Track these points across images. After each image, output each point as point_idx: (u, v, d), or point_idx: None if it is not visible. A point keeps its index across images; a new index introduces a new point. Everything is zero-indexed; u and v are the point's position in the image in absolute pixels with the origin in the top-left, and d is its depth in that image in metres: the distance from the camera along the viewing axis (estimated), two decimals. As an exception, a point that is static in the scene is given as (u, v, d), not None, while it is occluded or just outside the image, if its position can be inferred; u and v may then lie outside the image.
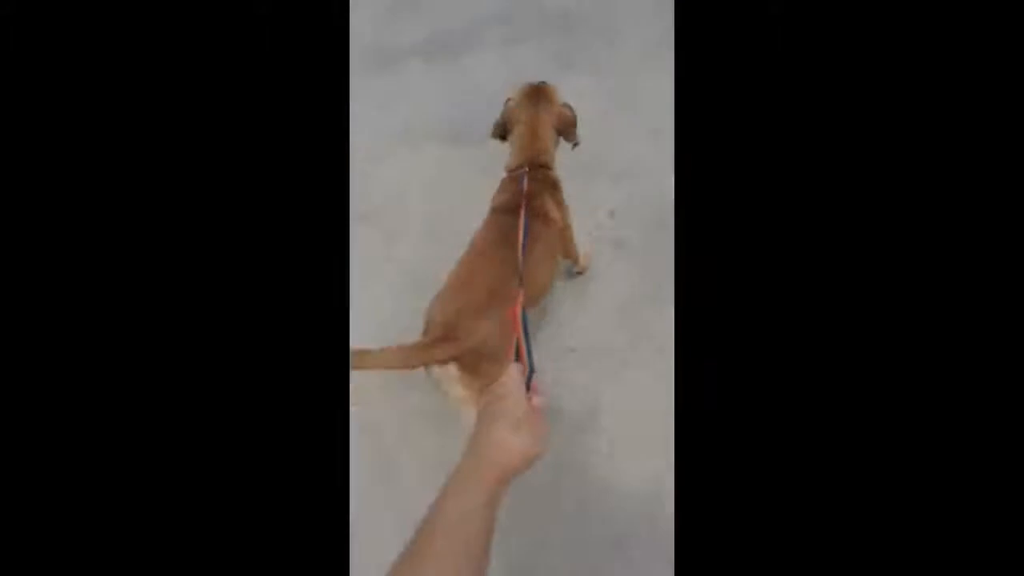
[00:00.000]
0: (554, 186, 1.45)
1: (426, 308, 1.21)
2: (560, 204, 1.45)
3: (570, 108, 1.52)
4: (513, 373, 0.59)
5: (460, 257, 1.31)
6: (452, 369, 1.13)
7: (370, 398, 1.50)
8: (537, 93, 1.49)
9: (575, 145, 1.54)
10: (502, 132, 1.53)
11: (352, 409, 1.26)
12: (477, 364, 1.13)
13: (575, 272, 1.70)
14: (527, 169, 1.40)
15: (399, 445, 1.46)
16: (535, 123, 1.46)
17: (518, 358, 0.63)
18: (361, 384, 1.14)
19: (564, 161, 1.52)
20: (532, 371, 0.62)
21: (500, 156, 1.52)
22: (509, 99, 1.52)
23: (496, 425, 0.53)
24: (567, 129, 1.51)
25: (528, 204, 1.31)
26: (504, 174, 1.48)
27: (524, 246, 1.06)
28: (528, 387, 0.59)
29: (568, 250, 1.57)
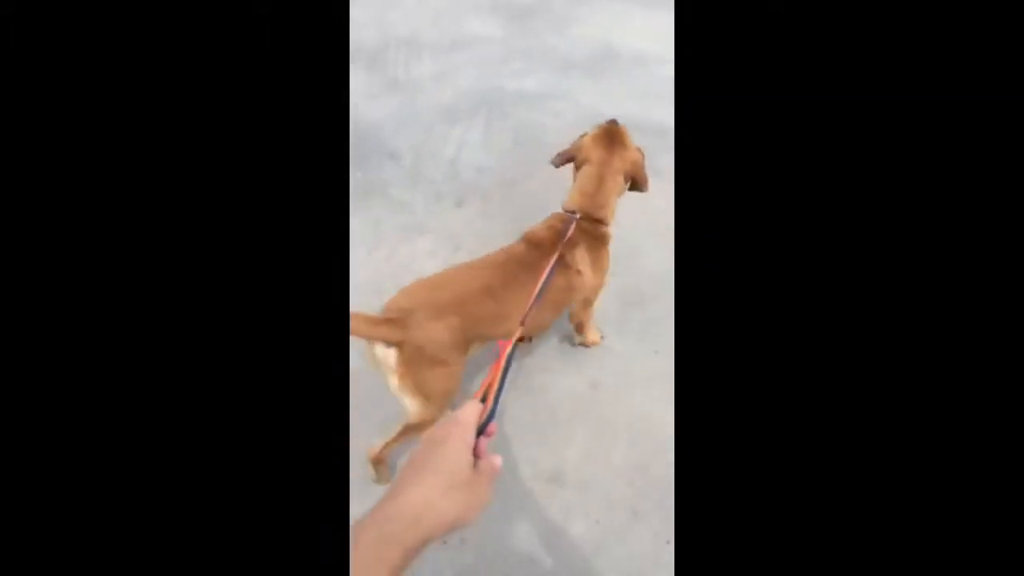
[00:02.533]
0: (601, 242, 1.38)
1: (396, 292, 1.21)
2: (598, 264, 1.38)
3: (640, 152, 1.42)
4: (467, 411, 0.51)
5: (463, 261, 1.30)
6: (391, 355, 1.13)
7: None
8: (612, 134, 1.39)
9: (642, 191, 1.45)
10: (564, 162, 1.44)
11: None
12: (416, 360, 1.13)
13: (575, 342, 1.65)
14: (579, 216, 1.33)
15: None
16: (603, 168, 1.36)
17: (485, 397, 0.56)
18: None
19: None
20: (493, 415, 0.54)
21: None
22: (584, 134, 1.43)
23: (425, 479, 0.44)
24: (639, 180, 1.41)
25: (563, 252, 1.27)
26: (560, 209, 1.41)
27: (541, 292, 1.01)
28: (482, 432, 0.51)
29: (582, 314, 1.51)
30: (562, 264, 1.28)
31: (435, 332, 1.13)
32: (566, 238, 1.29)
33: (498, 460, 0.49)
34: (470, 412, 0.51)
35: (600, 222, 1.37)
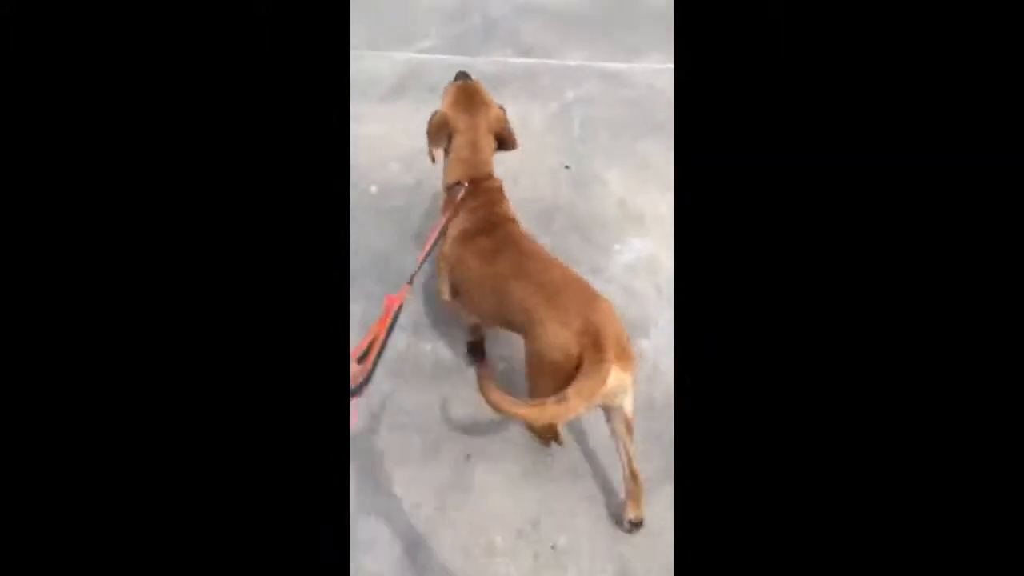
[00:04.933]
0: (502, 194, 1.41)
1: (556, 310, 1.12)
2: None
3: (502, 108, 1.43)
4: None
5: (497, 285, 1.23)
6: (627, 377, 1.09)
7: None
8: (468, 94, 1.39)
9: (511, 149, 1.45)
10: (439, 145, 1.41)
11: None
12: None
13: None
14: (466, 184, 1.35)
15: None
16: (473, 132, 1.37)
17: (364, 357, 0.54)
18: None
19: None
20: (369, 379, 0.54)
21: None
22: (442, 99, 1.42)
23: None
24: (507, 138, 1.42)
25: (495, 212, 1.31)
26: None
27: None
28: (356, 394, 0.51)
29: None
30: (516, 223, 1.32)
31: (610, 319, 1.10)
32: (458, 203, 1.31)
33: (354, 416, 0.50)
34: None
35: (489, 177, 1.40)
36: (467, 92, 1.40)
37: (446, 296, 1.43)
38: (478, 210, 1.33)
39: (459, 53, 2.80)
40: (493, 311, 1.28)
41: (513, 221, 1.36)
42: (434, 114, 1.39)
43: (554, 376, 1.06)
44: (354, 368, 0.52)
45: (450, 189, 1.39)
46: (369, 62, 2.70)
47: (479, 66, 2.56)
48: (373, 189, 2.09)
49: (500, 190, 1.41)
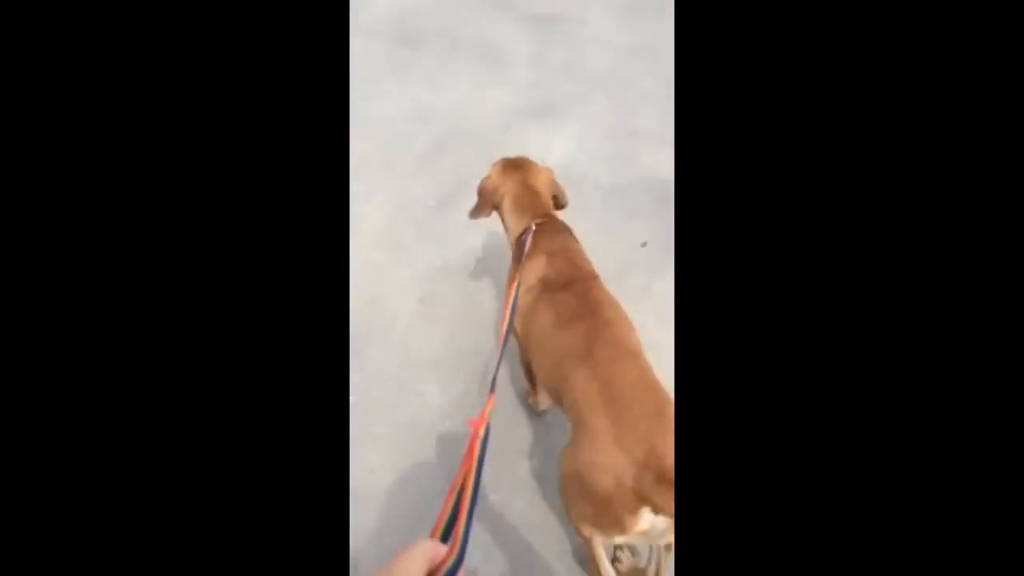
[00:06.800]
0: (573, 234, 1.32)
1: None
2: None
3: (550, 171, 1.42)
4: (409, 558, 0.36)
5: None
6: (663, 521, 0.86)
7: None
8: (517, 164, 1.38)
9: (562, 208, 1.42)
10: (483, 209, 1.37)
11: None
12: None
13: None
14: (533, 226, 1.26)
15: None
16: (527, 185, 1.34)
17: (449, 531, 0.40)
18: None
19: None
20: (462, 559, 0.39)
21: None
22: (487, 176, 1.39)
23: None
24: (560, 194, 1.39)
25: (575, 261, 1.19)
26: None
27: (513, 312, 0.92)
28: None
29: None
30: (596, 278, 1.20)
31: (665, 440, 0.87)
32: (528, 248, 1.21)
33: None
34: (422, 548, 0.37)
35: (550, 216, 1.33)
36: (515, 160, 1.40)
37: (522, 360, 1.30)
38: (558, 256, 1.19)
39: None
40: (551, 385, 1.11)
41: (595, 277, 1.21)
42: (485, 178, 1.38)
43: (593, 502, 0.88)
44: (438, 551, 0.37)
45: (518, 240, 1.29)
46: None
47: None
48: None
49: (571, 231, 1.31)
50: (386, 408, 1.48)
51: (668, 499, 0.81)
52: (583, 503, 0.91)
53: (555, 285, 1.15)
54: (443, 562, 0.38)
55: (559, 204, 1.40)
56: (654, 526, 0.86)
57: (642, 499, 0.84)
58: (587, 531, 0.94)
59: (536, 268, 1.19)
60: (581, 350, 1.02)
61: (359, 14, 2.60)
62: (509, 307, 0.96)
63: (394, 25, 2.77)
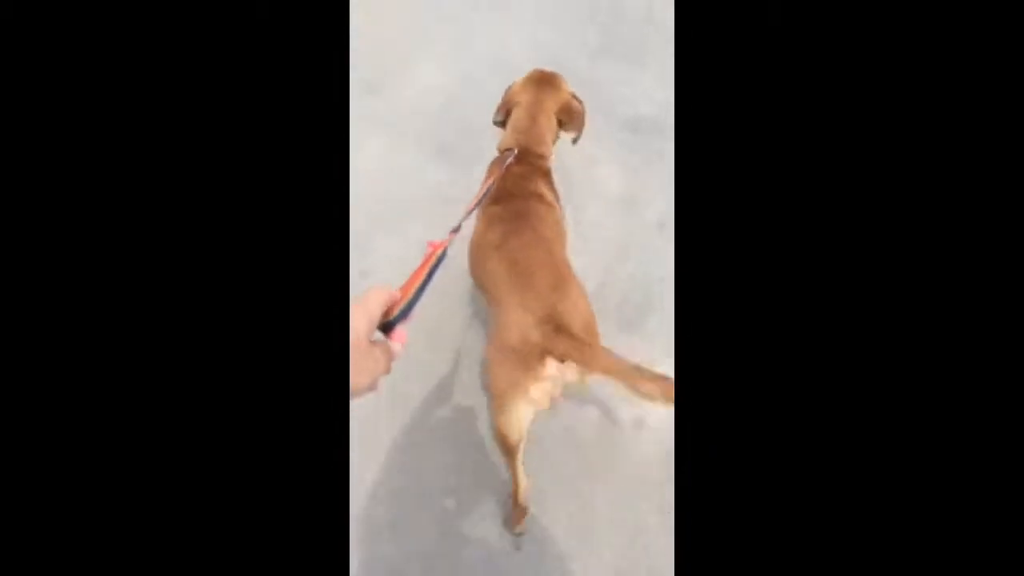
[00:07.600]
0: (546, 175, 1.33)
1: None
2: (555, 193, 1.33)
3: (578, 99, 1.39)
4: (373, 292, 0.50)
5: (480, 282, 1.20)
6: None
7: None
8: (542, 78, 1.37)
9: (576, 140, 1.42)
10: (503, 118, 1.39)
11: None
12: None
13: None
14: (515, 151, 1.29)
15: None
16: (535, 107, 1.34)
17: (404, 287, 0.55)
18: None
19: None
20: (409, 311, 0.53)
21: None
22: (514, 82, 1.40)
23: None
24: (572, 120, 1.38)
25: (522, 185, 1.23)
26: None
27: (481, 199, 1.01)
28: (398, 321, 0.52)
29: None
30: (541, 200, 1.24)
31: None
32: (506, 169, 1.24)
33: (398, 346, 0.52)
34: (376, 293, 0.51)
35: (541, 156, 1.32)
36: (542, 74, 1.39)
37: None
38: (509, 179, 1.25)
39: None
40: (478, 282, 1.23)
41: (539, 198, 1.25)
42: (514, 82, 1.40)
43: (508, 361, 1.02)
44: (393, 295, 0.52)
45: (500, 154, 1.34)
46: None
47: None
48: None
49: (547, 171, 1.33)
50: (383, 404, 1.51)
51: (569, 346, 0.97)
52: (501, 368, 1.04)
53: (493, 198, 1.23)
54: (397, 299, 0.52)
55: (569, 127, 1.39)
56: (561, 371, 1.01)
57: (547, 349, 0.99)
58: (509, 405, 1.07)
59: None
60: (497, 242, 1.14)
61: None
62: (476, 200, 1.01)
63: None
